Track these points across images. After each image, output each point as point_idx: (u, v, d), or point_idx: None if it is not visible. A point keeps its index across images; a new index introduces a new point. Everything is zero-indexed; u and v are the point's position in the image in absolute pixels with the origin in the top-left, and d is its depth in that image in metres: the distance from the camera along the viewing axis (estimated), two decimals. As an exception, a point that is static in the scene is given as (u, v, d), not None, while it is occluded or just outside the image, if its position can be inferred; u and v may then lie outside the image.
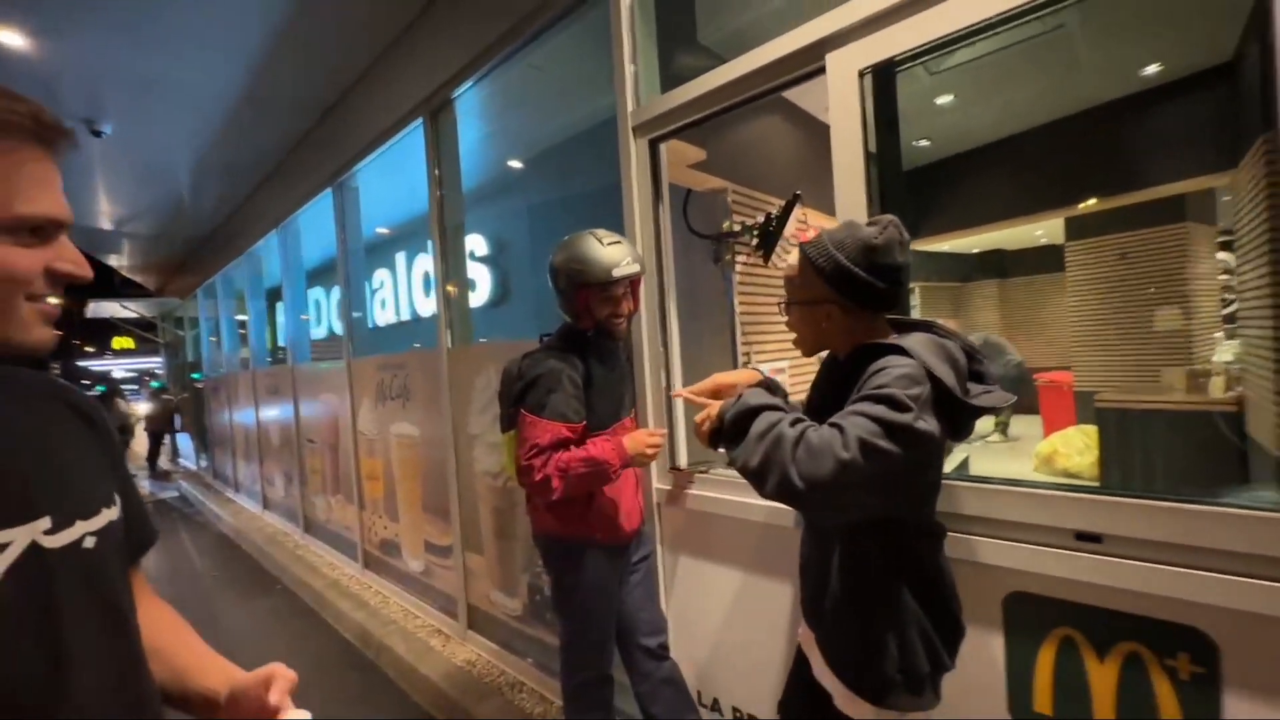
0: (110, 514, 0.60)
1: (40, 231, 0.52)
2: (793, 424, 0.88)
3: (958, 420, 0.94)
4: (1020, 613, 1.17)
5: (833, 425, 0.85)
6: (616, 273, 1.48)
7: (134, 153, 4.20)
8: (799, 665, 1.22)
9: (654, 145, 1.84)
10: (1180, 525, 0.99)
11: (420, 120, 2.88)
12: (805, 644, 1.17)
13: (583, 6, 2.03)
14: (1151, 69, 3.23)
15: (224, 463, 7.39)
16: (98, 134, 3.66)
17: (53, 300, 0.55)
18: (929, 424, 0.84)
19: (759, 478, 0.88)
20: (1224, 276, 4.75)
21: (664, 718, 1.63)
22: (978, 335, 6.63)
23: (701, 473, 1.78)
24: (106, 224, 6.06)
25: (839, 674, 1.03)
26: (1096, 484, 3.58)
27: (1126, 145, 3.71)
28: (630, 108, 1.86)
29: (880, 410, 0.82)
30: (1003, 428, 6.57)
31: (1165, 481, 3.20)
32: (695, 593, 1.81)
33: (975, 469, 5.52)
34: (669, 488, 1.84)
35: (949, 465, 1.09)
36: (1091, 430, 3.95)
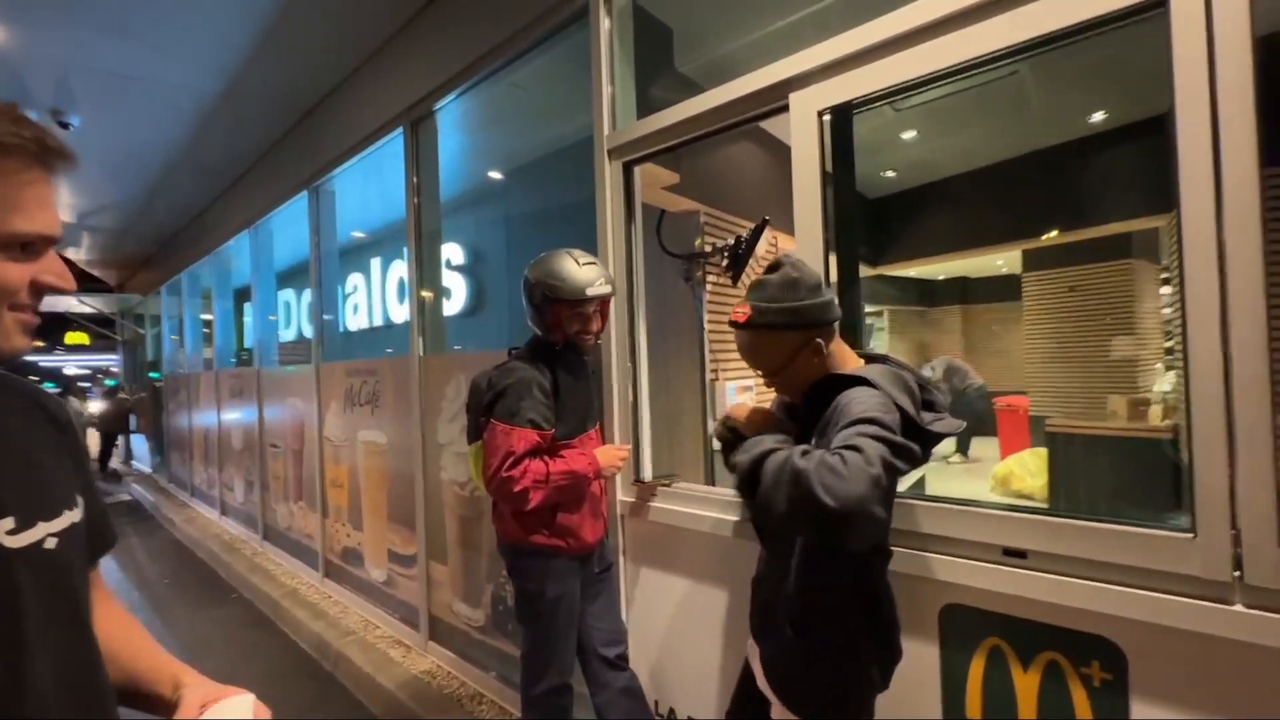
0: (72, 516, 0.62)
1: (30, 247, 0.55)
2: (803, 455, 0.85)
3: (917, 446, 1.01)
4: (955, 624, 1.25)
5: (847, 448, 0.83)
6: (590, 292, 1.54)
7: (103, 146, 4.11)
8: (745, 677, 1.27)
9: (628, 168, 1.91)
10: (1093, 542, 1.08)
11: (401, 129, 2.91)
12: (751, 656, 1.22)
13: (564, 32, 2.10)
14: (1098, 116, 3.46)
15: (181, 466, 7.15)
16: (65, 126, 3.59)
17: (33, 310, 0.57)
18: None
19: (792, 519, 0.83)
20: (1167, 310, 5.06)
21: (620, 726, 1.66)
22: (941, 359, 6.86)
23: (664, 485, 1.83)
24: (68, 216, 5.87)
25: (775, 689, 1.08)
26: (1043, 505, 3.74)
27: (1077, 185, 3.95)
28: (606, 131, 1.93)
29: (877, 430, 0.85)
30: (964, 447, 6.79)
31: (1107, 503, 3.37)
32: (655, 603, 1.85)
33: (934, 489, 5.68)
34: (632, 500, 1.88)
35: (904, 484, 1.15)
36: (1045, 453, 4.13)
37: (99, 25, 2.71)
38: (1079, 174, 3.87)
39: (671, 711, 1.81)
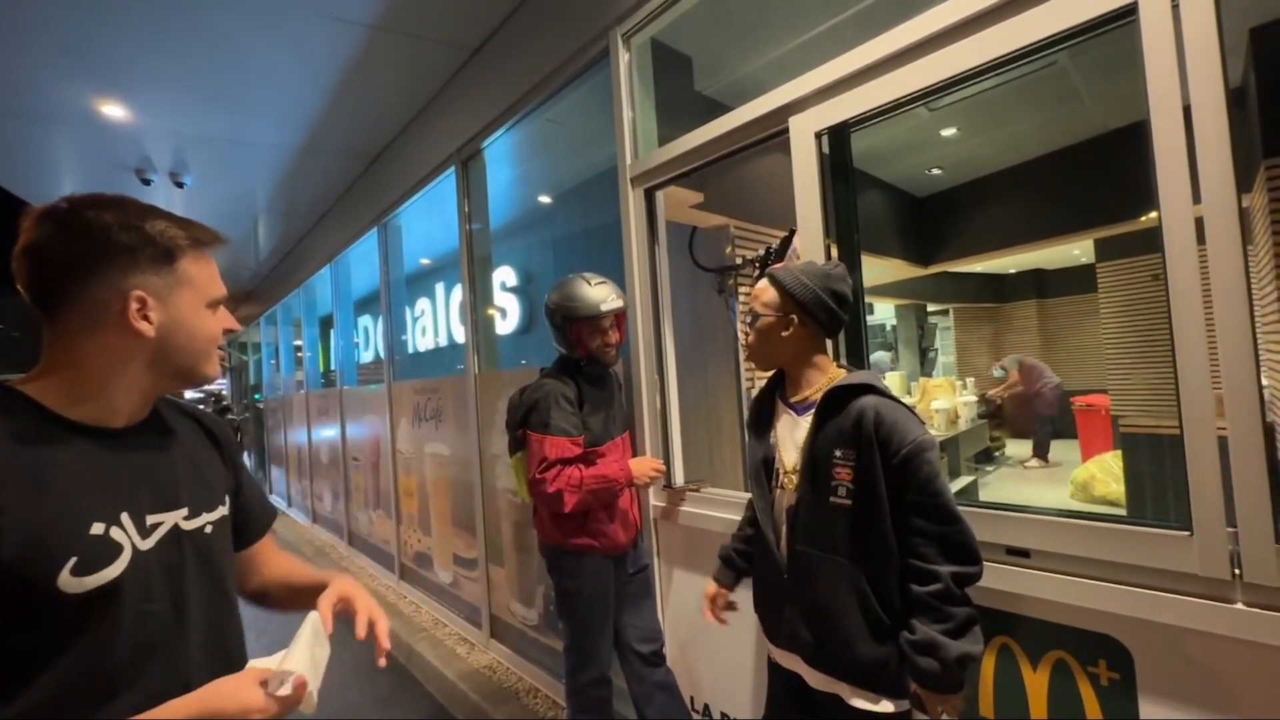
0: (222, 510, 0.83)
1: (216, 305, 0.79)
2: (944, 605, 1.00)
3: None
4: (966, 622, 1.27)
5: (936, 536, 1.03)
6: (604, 308, 1.70)
7: (211, 200, 4.72)
8: (784, 685, 1.24)
9: (649, 194, 2.04)
10: (1093, 541, 1.09)
11: (453, 167, 3.19)
12: (786, 662, 1.22)
13: (589, 71, 2.27)
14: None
15: (278, 478, 7.91)
16: (181, 185, 4.17)
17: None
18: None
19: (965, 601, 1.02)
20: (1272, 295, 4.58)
21: (656, 719, 1.77)
22: (1011, 358, 6.50)
23: (693, 491, 1.93)
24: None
25: (870, 686, 1.08)
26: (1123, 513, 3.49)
27: (1151, 168, 3.69)
28: (629, 160, 2.08)
29: (936, 477, 1.04)
30: (1042, 452, 6.38)
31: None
32: (689, 604, 1.95)
33: (1010, 496, 5.38)
34: (664, 504, 1.99)
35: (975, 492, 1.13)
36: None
37: (203, 98, 3.17)
38: (1145, 158, 3.61)
39: (707, 707, 1.90)
